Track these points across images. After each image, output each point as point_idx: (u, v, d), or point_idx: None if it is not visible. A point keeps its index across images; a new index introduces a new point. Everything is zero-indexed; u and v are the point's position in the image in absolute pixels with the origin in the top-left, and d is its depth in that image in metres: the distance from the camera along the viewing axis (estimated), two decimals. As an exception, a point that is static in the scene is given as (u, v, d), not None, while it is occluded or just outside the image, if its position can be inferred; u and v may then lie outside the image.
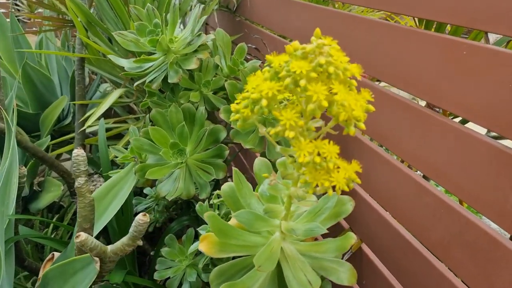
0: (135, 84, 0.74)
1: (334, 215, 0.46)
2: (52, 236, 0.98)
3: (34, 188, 1.00)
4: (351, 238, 0.45)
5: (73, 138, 1.06)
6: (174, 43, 0.70)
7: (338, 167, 0.33)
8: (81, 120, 0.98)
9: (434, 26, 0.76)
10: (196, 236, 0.75)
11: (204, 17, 0.73)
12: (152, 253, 0.93)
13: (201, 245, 0.45)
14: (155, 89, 0.76)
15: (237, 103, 0.37)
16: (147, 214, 0.45)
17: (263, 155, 0.66)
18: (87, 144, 1.07)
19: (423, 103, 0.76)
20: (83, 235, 0.43)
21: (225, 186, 0.48)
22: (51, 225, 1.03)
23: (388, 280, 0.66)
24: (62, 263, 0.50)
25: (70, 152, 1.15)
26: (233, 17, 1.24)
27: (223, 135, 0.70)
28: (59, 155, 1.19)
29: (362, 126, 0.33)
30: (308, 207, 0.43)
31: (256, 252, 0.46)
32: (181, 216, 0.90)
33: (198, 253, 0.73)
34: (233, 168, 0.49)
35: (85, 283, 0.46)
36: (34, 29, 1.69)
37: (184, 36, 0.71)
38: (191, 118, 0.69)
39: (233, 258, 0.51)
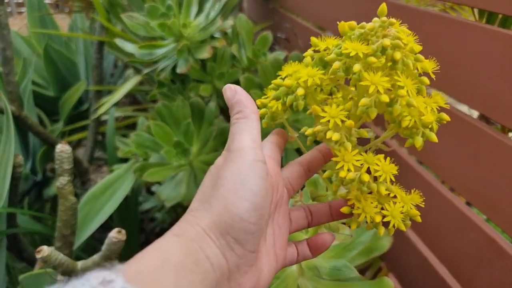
0: (144, 72, 0.67)
1: (368, 251, 0.37)
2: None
3: (47, 174, 0.97)
4: (388, 286, 0.35)
5: (89, 124, 1.02)
6: (187, 28, 0.62)
7: (394, 196, 0.24)
8: (95, 107, 0.94)
9: (498, 19, 0.63)
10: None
11: (224, 1, 0.64)
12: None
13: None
14: (166, 79, 0.68)
15: (264, 98, 0.29)
16: (122, 231, 0.38)
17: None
18: (103, 131, 1.02)
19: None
20: (45, 250, 0.36)
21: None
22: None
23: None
24: (34, 274, 0.44)
25: (85, 138, 1.12)
26: (266, 4, 1.14)
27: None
28: (79, 141, 1.16)
29: (434, 137, 0.24)
30: (338, 241, 0.34)
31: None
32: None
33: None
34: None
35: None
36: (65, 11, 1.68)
37: (198, 21, 0.62)
38: (200, 115, 0.62)
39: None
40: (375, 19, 0.26)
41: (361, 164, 0.25)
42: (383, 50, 0.24)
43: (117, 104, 1.01)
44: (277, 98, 0.28)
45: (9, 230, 0.63)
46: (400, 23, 0.26)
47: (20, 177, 0.65)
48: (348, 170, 0.24)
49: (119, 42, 0.65)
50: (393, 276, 0.62)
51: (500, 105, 0.42)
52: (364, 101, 0.24)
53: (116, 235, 0.38)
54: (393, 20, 0.25)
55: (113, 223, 0.78)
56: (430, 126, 0.24)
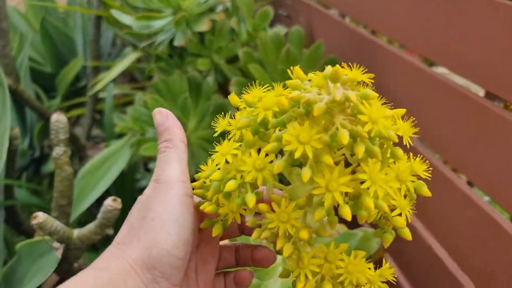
0: (141, 46, 0.66)
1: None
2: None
3: (45, 150, 0.97)
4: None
5: (86, 101, 1.01)
6: (186, 1, 0.61)
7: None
8: (92, 84, 0.93)
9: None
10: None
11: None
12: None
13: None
14: (163, 53, 0.67)
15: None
16: (118, 199, 0.38)
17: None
18: (100, 108, 1.02)
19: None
20: (41, 216, 0.36)
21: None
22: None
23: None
24: (30, 242, 0.44)
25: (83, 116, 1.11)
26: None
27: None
28: (77, 118, 1.16)
29: (408, 234, 0.22)
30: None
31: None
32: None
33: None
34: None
35: (47, 269, 0.40)
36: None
37: (197, -7, 0.61)
38: (197, 90, 0.61)
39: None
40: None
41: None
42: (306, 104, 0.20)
43: (114, 82, 0.99)
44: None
45: (6, 202, 0.63)
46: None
47: (17, 150, 0.65)
48: (306, 277, 0.21)
49: (116, 13, 0.64)
50: (390, 257, 0.63)
51: (506, 80, 0.41)
52: (318, 215, 0.20)
53: (111, 203, 0.38)
54: (350, 95, 0.19)
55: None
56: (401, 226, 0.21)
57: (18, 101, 0.85)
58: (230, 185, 0.22)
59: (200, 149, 0.61)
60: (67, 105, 1.03)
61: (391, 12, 0.57)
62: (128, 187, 0.76)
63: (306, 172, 0.19)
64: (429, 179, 0.23)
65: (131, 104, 1.06)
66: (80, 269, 0.61)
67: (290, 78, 0.23)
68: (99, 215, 0.39)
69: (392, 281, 0.23)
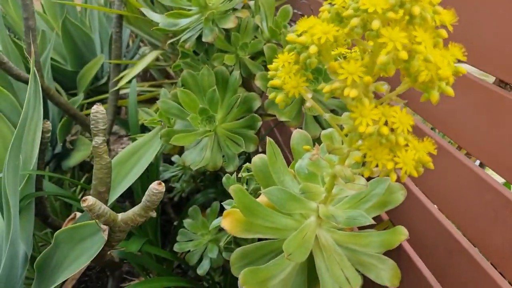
0: (168, 42, 0.68)
1: (381, 204, 0.39)
2: (80, 196, 0.98)
3: (67, 146, 0.99)
4: (401, 235, 0.37)
5: (107, 98, 1.04)
6: (212, -1, 0.63)
7: (407, 145, 0.26)
8: (114, 80, 0.95)
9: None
10: (222, 211, 0.70)
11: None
12: (175, 223, 0.90)
13: (224, 222, 0.39)
14: (189, 50, 0.70)
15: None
16: (162, 183, 0.40)
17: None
18: (120, 105, 1.04)
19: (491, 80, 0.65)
20: (90, 200, 0.39)
21: (256, 159, 0.42)
22: (82, 180, 1.03)
23: (428, 282, 0.58)
24: (72, 227, 0.46)
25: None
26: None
27: (257, 104, 0.63)
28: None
29: (450, 91, 0.25)
30: (354, 191, 0.35)
31: (286, 237, 0.40)
32: (208, 188, 0.86)
33: (221, 228, 0.68)
34: (268, 138, 0.42)
35: (92, 251, 0.43)
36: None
37: (223, -9, 0.63)
38: (224, 84, 0.63)
39: (259, 240, 0.45)
40: None
41: (379, 118, 0.25)
42: (402, 4, 0.24)
43: (130, 81, 1.02)
44: (291, 51, 0.28)
45: (37, 193, 0.66)
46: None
47: (47, 143, 0.67)
48: (367, 124, 0.25)
49: (145, 11, 0.66)
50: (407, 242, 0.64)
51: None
52: (382, 59, 0.24)
53: (156, 187, 0.40)
54: None
55: (135, 192, 0.80)
56: (446, 81, 0.25)
57: (43, 97, 0.88)
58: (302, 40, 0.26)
59: (227, 140, 0.63)
60: (88, 102, 1.06)
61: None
62: (152, 179, 0.79)
63: (375, 23, 0.24)
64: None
65: (148, 101, 1.08)
66: (112, 259, 0.63)
67: (313, 72, 0.28)
68: (144, 198, 0.41)
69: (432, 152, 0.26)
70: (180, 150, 0.81)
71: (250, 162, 0.65)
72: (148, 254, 0.80)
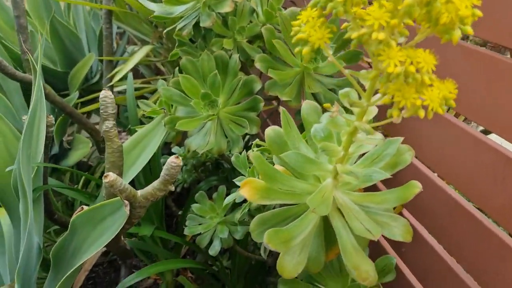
0: (165, 31, 0.69)
1: (392, 165, 0.41)
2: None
3: (64, 146, 0.99)
4: (415, 188, 0.40)
5: (101, 96, 1.04)
6: (207, -15, 0.64)
7: (431, 85, 0.28)
8: (108, 76, 0.95)
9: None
10: (228, 195, 0.72)
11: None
12: (180, 212, 0.91)
13: (243, 190, 0.41)
14: (185, 38, 0.71)
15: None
16: (179, 157, 0.42)
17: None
18: (117, 103, 1.04)
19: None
20: (111, 175, 0.40)
21: (269, 130, 0.44)
22: (81, 181, 1.03)
23: (431, 246, 0.61)
24: (90, 209, 0.47)
25: (98, 112, 1.13)
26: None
27: (257, 86, 0.65)
28: (88, 116, 1.18)
29: (470, 30, 0.27)
30: (373, 145, 0.37)
31: (302, 201, 0.42)
32: (210, 176, 0.87)
33: (229, 211, 0.69)
34: (281, 108, 0.44)
35: (114, 228, 0.44)
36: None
37: (217, -22, 0.65)
38: (224, 68, 0.65)
39: (273, 209, 0.47)
40: None
41: (405, 59, 0.28)
42: None
43: (122, 78, 1.02)
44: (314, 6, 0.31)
45: (47, 186, 0.66)
46: None
47: (52, 137, 0.68)
48: (395, 65, 0.28)
49: (142, 1, 0.67)
50: (406, 211, 0.67)
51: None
52: (408, 1, 0.27)
53: (174, 160, 0.41)
54: None
55: (137, 181, 0.81)
56: (466, 21, 0.28)
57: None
58: None
59: (230, 123, 0.64)
60: (81, 101, 1.05)
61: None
62: (154, 170, 0.80)
63: None
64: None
65: (139, 98, 1.09)
66: (124, 246, 0.64)
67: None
68: (163, 172, 0.42)
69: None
70: (181, 141, 0.82)
71: (250, 147, 0.67)
72: (154, 241, 0.81)
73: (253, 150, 0.55)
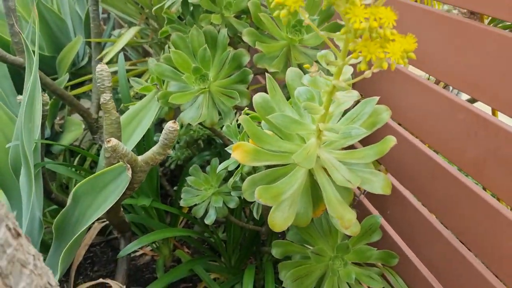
0: (154, 8, 0.71)
1: (371, 124, 0.45)
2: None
3: (55, 129, 1.00)
4: (391, 141, 0.43)
5: (90, 80, 1.05)
6: (193, -38, 0.66)
7: (393, 40, 0.31)
8: (98, 57, 0.96)
9: None
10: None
11: None
12: (175, 188, 0.94)
13: (235, 154, 0.44)
14: (174, 15, 0.73)
15: None
16: (176, 122, 0.44)
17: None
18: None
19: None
20: (114, 140, 0.42)
21: (256, 97, 0.47)
22: (75, 163, 1.04)
23: (414, 207, 0.65)
24: (92, 177, 0.50)
25: (88, 97, 1.15)
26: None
27: (246, 59, 0.67)
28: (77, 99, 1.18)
29: None
30: (351, 100, 0.40)
31: (290, 161, 0.45)
32: (202, 151, 0.90)
33: (222, 182, 0.73)
34: (266, 75, 0.47)
35: (117, 192, 0.46)
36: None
37: (203, -45, 0.66)
38: (213, 42, 0.67)
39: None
40: None
41: (369, 16, 0.31)
42: None
43: (111, 61, 1.03)
44: None
45: (45, 162, 0.68)
46: None
47: (46, 116, 0.69)
48: (360, 21, 0.30)
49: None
50: (388, 174, 0.71)
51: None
52: None
53: (172, 125, 0.44)
54: None
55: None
56: None
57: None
58: None
59: (222, 96, 0.67)
60: (71, 85, 1.06)
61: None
62: (148, 147, 0.82)
63: None
64: None
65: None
66: (123, 218, 0.66)
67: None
68: (162, 137, 0.45)
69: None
70: (175, 116, 0.84)
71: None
72: (151, 218, 0.84)
73: (243, 113, 0.58)
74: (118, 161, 0.52)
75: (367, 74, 0.32)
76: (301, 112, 0.46)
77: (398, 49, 0.31)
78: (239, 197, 0.68)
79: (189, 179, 0.73)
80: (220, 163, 0.76)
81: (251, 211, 0.98)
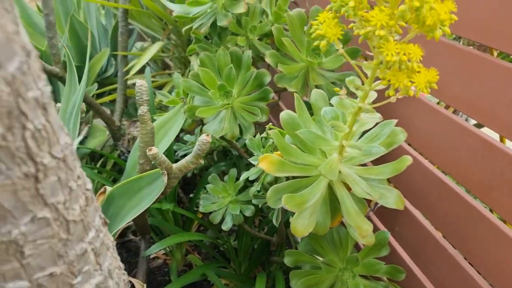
0: (184, 29, 0.77)
1: (388, 144, 0.49)
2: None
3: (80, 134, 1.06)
4: (407, 161, 0.48)
5: (114, 89, 1.11)
6: (223, -12, 0.72)
7: (418, 71, 0.36)
8: (124, 70, 1.02)
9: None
10: (237, 178, 0.80)
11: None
12: (191, 195, 0.98)
13: (262, 164, 0.49)
14: (200, 35, 0.79)
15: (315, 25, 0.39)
16: (209, 135, 0.49)
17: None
18: (129, 95, 1.11)
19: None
20: (154, 149, 0.47)
21: (283, 114, 0.52)
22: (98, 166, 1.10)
23: (422, 225, 0.69)
24: (128, 181, 0.55)
25: (112, 103, 1.20)
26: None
27: (267, 79, 0.73)
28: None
29: (448, 30, 0.35)
30: (373, 121, 0.45)
31: (311, 174, 0.50)
32: (218, 162, 0.95)
33: (240, 191, 0.77)
34: (295, 94, 0.52)
35: (152, 196, 0.51)
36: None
37: (232, -18, 0.73)
38: (238, 62, 0.72)
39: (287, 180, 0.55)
40: None
41: (399, 51, 0.36)
42: None
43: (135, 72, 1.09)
44: (332, 10, 0.39)
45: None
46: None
47: (82, 123, 0.75)
48: (392, 55, 0.36)
49: (164, 1, 0.75)
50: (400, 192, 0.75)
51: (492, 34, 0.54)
52: (402, 7, 0.35)
53: (205, 137, 0.49)
54: None
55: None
56: (445, 24, 0.36)
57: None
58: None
59: (243, 112, 0.72)
60: (97, 93, 1.12)
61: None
62: (169, 157, 0.87)
63: None
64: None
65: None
66: (147, 221, 0.71)
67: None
68: (195, 148, 0.50)
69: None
70: (193, 130, 0.90)
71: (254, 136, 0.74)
72: (167, 222, 0.89)
73: (267, 132, 0.63)
74: (151, 168, 0.57)
75: (393, 99, 0.37)
76: (324, 129, 0.51)
77: (423, 80, 0.36)
78: (256, 206, 0.73)
79: (208, 187, 0.78)
80: (248, 159, 0.81)
81: (261, 222, 1.02)
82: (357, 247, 0.81)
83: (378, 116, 0.44)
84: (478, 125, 0.90)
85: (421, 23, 0.35)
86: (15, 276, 0.19)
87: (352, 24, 0.40)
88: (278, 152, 0.55)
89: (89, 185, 0.24)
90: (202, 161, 0.51)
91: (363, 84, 0.41)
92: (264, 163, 0.49)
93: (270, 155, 0.50)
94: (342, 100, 0.42)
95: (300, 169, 0.50)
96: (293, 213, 0.68)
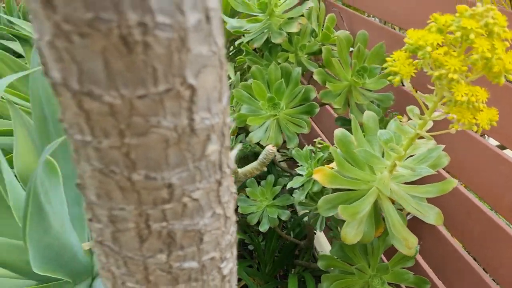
0: (237, 42, 0.83)
1: (433, 166, 0.55)
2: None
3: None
4: (453, 183, 0.53)
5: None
6: (277, 7, 0.78)
7: (481, 110, 0.41)
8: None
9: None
10: (275, 184, 0.85)
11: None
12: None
13: (316, 175, 0.54)
14: (249, 49, 0.84)
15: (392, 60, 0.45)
16: (275, 146, 0.55)
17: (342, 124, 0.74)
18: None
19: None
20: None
21: (337, 132, 0.57)
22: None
23: (447, 240, 0.74)
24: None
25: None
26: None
27: (313, 95, 0.78)
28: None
29: (510, 77, 0.41)
30: (427, 147, 0.51)
31: (360, 188, 0.55)
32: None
33: (276, 196, 0.83)
34: (351, 115, 0.57)
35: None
36: None
37: (286, 2, 0.78)
38: (287, 77, 0.78)
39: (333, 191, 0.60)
40: (478, 4, 0.43)
41: (468, 92, 0.41)
42: (486, 24, 0.41)
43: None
44: (407, 51, 0.44)
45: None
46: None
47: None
48: (462, 95, 0.41)
49: (223, 17, 0.81)
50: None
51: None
52: (474, 56, 0.40)
53: (271, 147, 0.54)
54: (492, 6, 0.42)
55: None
56: (509, 72, 0.41)
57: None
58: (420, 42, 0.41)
59: (288, 123, 0.78)
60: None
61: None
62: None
63: (471, 35, 0.39)
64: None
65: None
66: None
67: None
68: (261, 156, 0.55)
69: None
70: (236, 135, 0.95)
71: (299, 146, 0.80)
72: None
73: (317, 146, 0.68)
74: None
75: (452, 130, 0.42)
76: (374, 148, 0.56)
77: (486, 118, 0.41)
78: (293, 211, 0.78)
79: (247, 190, 0.83)
80: (295, 169, 0.86)
81: (285, 227, 1.07)
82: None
83: (432, 143, 0.49)
84: (501, 147, 0.95)
85: (487, 70, 0.40)
86: (192, 258, 0.25)
87: (416, 61, 0.45)
88: (329, 165, 0.61)
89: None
90: (265, 169, 0.57)
91: (422, 113, 0.47)
92: (318, 175, 0.55)
93: (324, 168, 0.55)
94: (401, 125, 0.48)
95: (350, 183, 0.55)
96: (330, 222, 0.73)
